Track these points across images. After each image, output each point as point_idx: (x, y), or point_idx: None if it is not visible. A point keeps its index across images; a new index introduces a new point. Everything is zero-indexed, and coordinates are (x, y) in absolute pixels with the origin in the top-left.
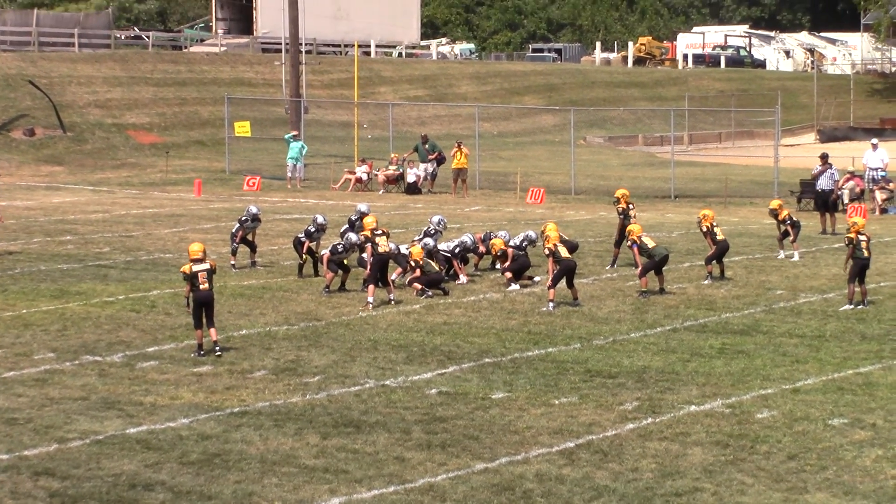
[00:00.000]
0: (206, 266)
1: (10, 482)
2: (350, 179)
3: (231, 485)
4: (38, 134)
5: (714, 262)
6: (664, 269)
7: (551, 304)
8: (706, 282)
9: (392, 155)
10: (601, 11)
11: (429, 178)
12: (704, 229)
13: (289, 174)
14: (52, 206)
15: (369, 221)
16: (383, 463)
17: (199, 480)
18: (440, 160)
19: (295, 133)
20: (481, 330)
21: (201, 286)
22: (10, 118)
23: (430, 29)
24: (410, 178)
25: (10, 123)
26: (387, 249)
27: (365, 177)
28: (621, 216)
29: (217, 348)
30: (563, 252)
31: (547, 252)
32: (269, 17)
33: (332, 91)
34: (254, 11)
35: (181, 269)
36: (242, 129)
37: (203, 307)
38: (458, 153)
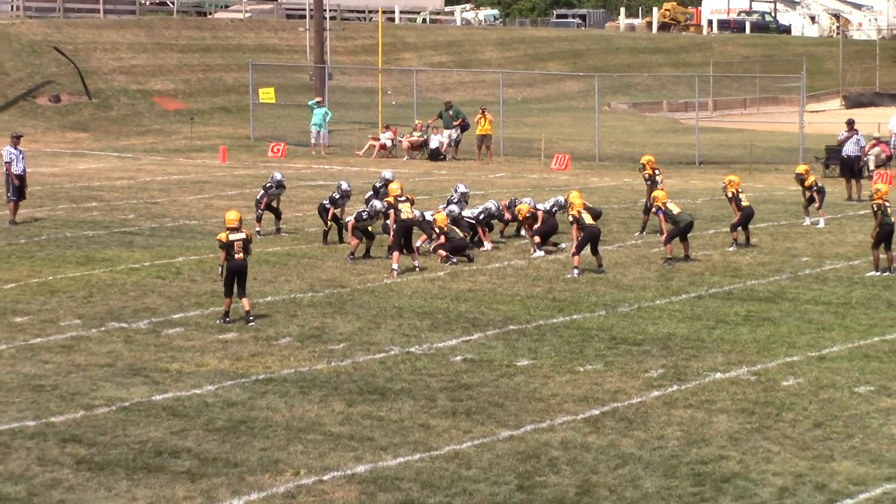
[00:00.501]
0: (241, 235)
1: (38, 449)
2: (374, 146)
3: (257, 452)
4: (63, 100)
5: (739, 228)
6: (689, 235)
7: (576, 271)
8: (731, 248)
9: (416, 121)
10: None
11: (453, 144)
12: (730, 196)
13: (312, 140)
14: (78, 173)
15: (394, 188)
16: (408, 430)
17: (224, 447)
18: (464, 127)
19: (319, 99)
20: (506, 297)
21: (236, 255)
22: (35, 84)
23: None
24: (434, 145)
25: (35, 90)
26: (410, 216)
27: (389, 143)
28: (648, 182)
29: (250, 318)
30: (587, 219)
31: (571, 219)
32: None
33: (357, 57)
34: None
35: (217, 237)
36: (267, 95)
37: (236, 276)
38: (483, 119)
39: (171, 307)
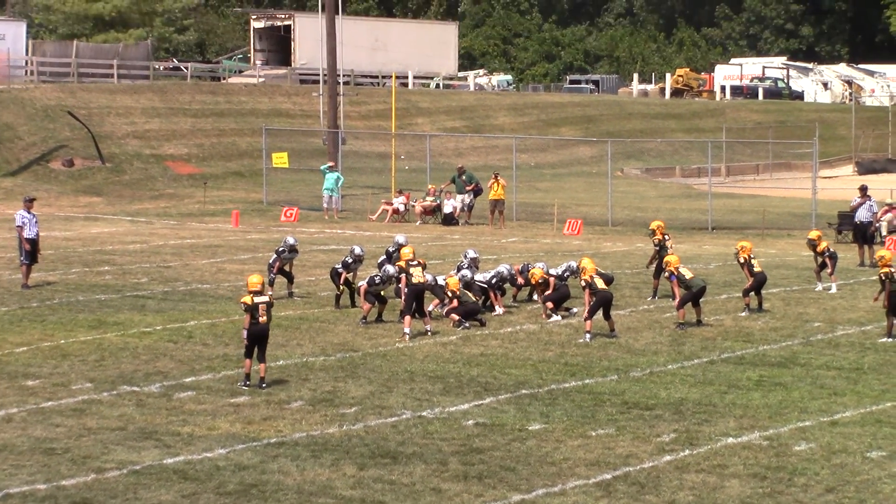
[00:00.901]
0: (265, 298)
1: None
2: (387, 210)
3: None
4: (76, 165)
5: (752, 293)
6: (702, 300)
7: (588, 336)
8: (744, 314)
9: (429, 186)
10: (639, 43)
11: (466, 209)
12: (742, 261)
13: (325, 205)
14: (91, 237)
15: (406, 252)
16: (420, 494)
17: None
18: (477, 191)
19: (331, 164)
20: (518, 361)
21: (260, 318)
22: (49, 149)
23: (468, 60)
24: (447, 210)
25: (49, 154)
26: (422, 280)
27: (402, 208)
28: (657, 248)
29: (263, 384)
30: (600, 283)
31: (583, 284)
32: (307, 49)
33: (370, 122)
34: (292, 43)
35: (241, 300)
36: (280, 160)
37: (258, 340)
38: (496, 184)
39: (183, 371)
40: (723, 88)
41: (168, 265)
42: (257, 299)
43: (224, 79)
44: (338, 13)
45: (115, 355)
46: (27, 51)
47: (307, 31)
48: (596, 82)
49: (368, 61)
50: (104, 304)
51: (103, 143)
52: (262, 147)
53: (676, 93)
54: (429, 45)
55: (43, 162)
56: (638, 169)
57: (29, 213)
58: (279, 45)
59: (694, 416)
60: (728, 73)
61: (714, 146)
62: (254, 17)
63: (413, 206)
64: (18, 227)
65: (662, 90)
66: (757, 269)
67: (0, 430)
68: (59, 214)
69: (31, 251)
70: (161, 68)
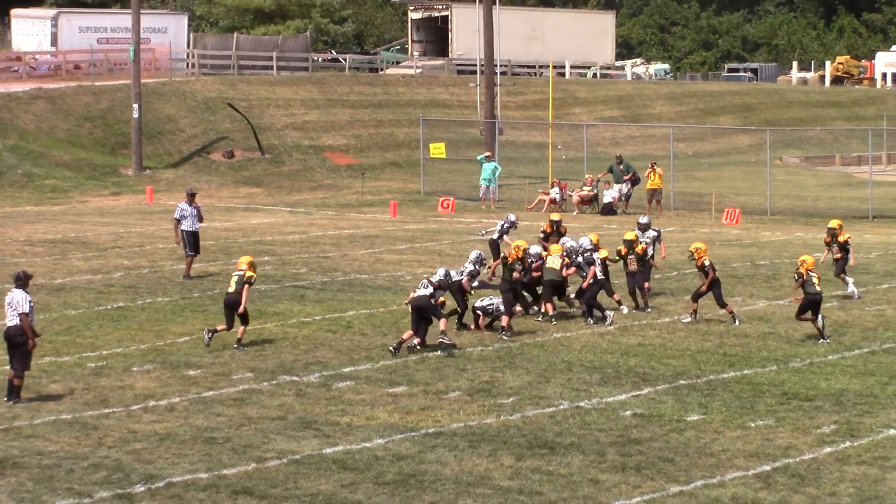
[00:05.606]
0: (241, 273)
1: (210, 501)
2: (544, 200)
3: None
4: (237, 156)
5: None
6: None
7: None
8: None
9: (586, 176)
10: (797, 30)
11: (623, 198)
12: None
13: (482, 195)
14: (251, 227)
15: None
16: (578, 485)
17: (394, 501)
18: (634, 181)
19: (488, 154)
20: (676, 351)
21: (228, 289)
22: (210, 140)
23: (625, 49)
24: (606, 199)
25: (210, 146)
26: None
27: (559, 198)
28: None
29: (239, 346)
30: (550, 264)
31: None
32: (465, 39)
33: (527, 112)
34: (449, 34)
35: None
36: (437, 150)
37: (229, 307)
38: (653, 173)
39: (342, 361)
40: (884, 76)
41: (327, 255)
42: (236, 272)
43: (382, 70)
44: (495, 3)
45: (275, 345)
46: (188, 44)
47: (464, 22)
48: (754, 70)
49: (525, 51)
50: (264, 294)
51: (263, 134)
52: (419, 137)
53: (836, 80)
54: (586, 35)
55: (204, 153)
56: (797, 157)
57: (190, 206)
58: (437, 36)
59: (855, 407)
60: (889, 60)
61: (875, 134)
62: (411, 7)
63: (570, 195)
64: (176, 219)
65: (822, 78)
66: None
67: (163, 419)
68: (219, 205)
69: (193, 243)
70: (319, 60)
